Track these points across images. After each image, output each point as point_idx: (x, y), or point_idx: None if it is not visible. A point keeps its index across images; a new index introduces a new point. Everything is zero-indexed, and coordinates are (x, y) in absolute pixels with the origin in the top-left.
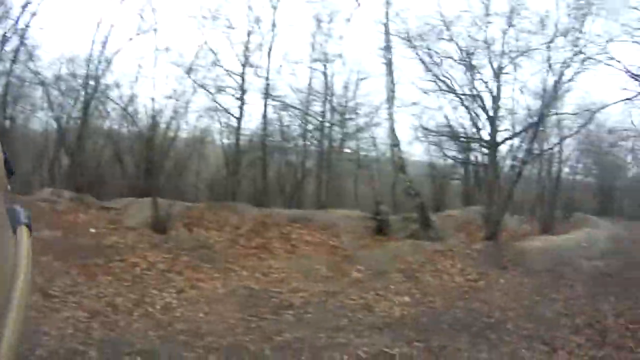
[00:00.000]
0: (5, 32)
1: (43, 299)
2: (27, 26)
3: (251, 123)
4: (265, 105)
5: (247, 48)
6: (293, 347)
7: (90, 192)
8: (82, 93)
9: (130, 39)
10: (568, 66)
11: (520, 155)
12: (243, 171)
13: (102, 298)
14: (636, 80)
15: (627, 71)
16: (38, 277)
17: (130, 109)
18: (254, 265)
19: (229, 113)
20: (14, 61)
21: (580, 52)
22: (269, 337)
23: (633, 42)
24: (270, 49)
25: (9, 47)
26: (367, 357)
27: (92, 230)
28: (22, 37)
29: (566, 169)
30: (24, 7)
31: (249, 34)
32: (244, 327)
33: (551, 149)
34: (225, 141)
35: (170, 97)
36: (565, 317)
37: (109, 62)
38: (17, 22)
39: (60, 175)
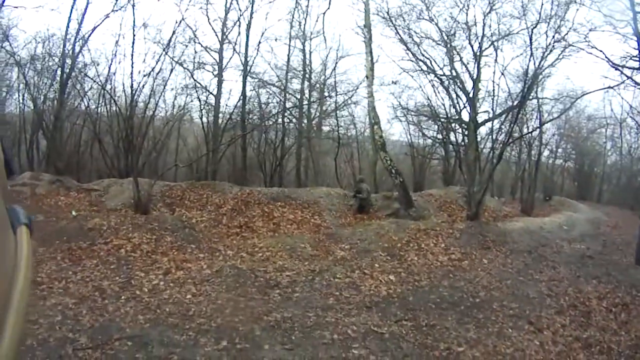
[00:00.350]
0: None
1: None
2: (2, 5)
3: (230, 100)
4: (244, 83)
5: (224, 24)
6: (283, 326)
7: (70, 174)
8: (59, 72)
9: (107, 16)
10: (549, 52)
11: (501, 137)
12: (223, 149)
13: (89, 282)
14: (617, 69)
15: (609, 61)
16: None
17: (108, 87)
18: (239, 245)
19: (207, 91)
20: None
21: (563, 39)
22: (258, 317)
23: (615, 32)
24: (248, 26)
25: None
26: (356, 336)
27: (74, 213)
28: None
29: (545, 153)
30: None
31: (226, 10)
32: (232, 308)
33: (531, 132)
34: (204, 120)
35: (148, 75)
36: (549, 298)
37: (85, 40)
38: None
39: (39, 157)
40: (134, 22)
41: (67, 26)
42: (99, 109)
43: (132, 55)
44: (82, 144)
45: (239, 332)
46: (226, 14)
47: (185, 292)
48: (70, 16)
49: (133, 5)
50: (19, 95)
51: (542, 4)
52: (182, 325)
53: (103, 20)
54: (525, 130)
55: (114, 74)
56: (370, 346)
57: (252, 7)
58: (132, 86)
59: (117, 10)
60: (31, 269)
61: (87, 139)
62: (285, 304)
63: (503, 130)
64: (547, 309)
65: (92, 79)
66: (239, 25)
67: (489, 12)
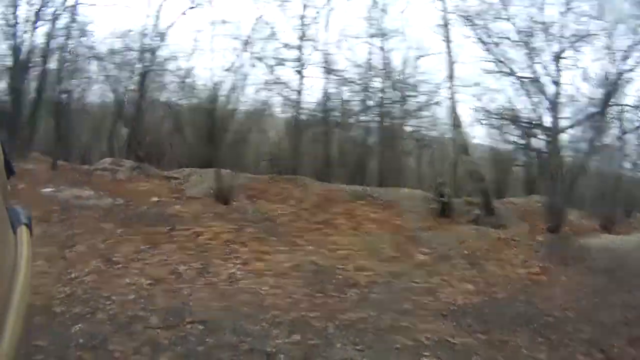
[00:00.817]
0: (56, 9)
1: (105, 264)
2: (77, 3)
3: (311, 97)
4: (325, 80)
5: (303, 21)
6: (357, 326)
7: (150, 163)
8: (138, 66)
9: (184, 13)
10: (629, 55)
11: (582, 145)
12: (304, 145)
13: (166, 266)
14: None
15: None
16: (100, 243)
17: (188, 81)
18: (319, 241)
19: (288, 87)
20: (67, 37)
21: None
22: (333, 315)
23: None
24: (326, 23)
25: (61, 24)
26: (429, 343)
27: (155, 198)
28: (72, 14)
29: (628, 165)
30: None
31: (304, 7)
32: (308, 303)
33: (613, 142)
34: (286, 115)
35: (228, 70)
36: (623, 326)
37: (163, 35)
38: None
39: (120, 146)
40: (212, 18)
41: (145, 23)
42: (181, 100)
43: (212, 50)
44: (163, 134)
45: (312, 328)
46: (304, 11)
47: (262, 283)
48: (147, 13)
49: (210, 2)
50: (99, 87)
51: (620, 4)
52: (255, 315)
53: (180, 17)
54: (607, 140)
55: (194, 68)
56: (441, 356)
57: (329, 3)
58: (212, 80)
59: (193, 7)
60: (31, 269)
61: (167, 130)
62: (361, 305)
63: (584, 139)
64: (620, 337)
65: (172, 72)
66: (317, 22)
67: (566, 11)
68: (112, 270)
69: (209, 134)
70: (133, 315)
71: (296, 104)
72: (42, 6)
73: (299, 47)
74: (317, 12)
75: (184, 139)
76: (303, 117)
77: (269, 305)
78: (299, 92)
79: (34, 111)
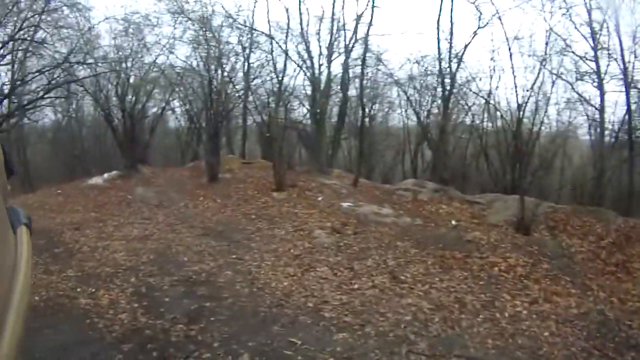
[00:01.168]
0: (348, 42)
1: (391, 281)
2: (367, 35)
3: (615, 115)
4: (627, 94)
5: (592, 28)
6: None
7: (454, 185)
8: (439, 90)
9: (475, 33)
10: None
11: None
12: (609, 172)
13: (452, 293)
14: None
15: None
16: (391, 260)
17: (489, 103)
18: (612, 286)
19: (589, 104)
20: (363, 66)
21: None
22: None
23: None
24: (616, 26)
25: (355, 54)
26: None
27: (454, 222)
28: (365, 45)
29: None
30: (357, 19)
31: (589, 12)
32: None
33: None
34: (589, 137)
35: (529, 90)
36: None
37: (459, 58)
38: (355, 32)
39: (423, 167)
40: (505, 36)
41: (438, 47)
42: (484, 123)
43: (512, 69)
44: (468, 157)
45: None
46: (590, 16)
47: (544, 328)
48: (438, 37)
49: (500, 18)
50: (401, 111)
51: None
52: None
53: (473, 38)
54: None
55: (496, 88)
56: None
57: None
58: (517, 101)
59: (483, 27)
60: (31, 269)
61: (472, 153)
62: None
63: None
64: None
65: (476, 93)
66: (607, 28)
67: None
68: (396, 288)
69: (513, 158)
70: (402, 336)
71: (599, 124)
72: (333, 40)
73: (595, 59)
74: (606, 16)
75: (488, 163)
76: (606, 138)
77: (544, 354)
78: (601, 110)
79: (337, 133)
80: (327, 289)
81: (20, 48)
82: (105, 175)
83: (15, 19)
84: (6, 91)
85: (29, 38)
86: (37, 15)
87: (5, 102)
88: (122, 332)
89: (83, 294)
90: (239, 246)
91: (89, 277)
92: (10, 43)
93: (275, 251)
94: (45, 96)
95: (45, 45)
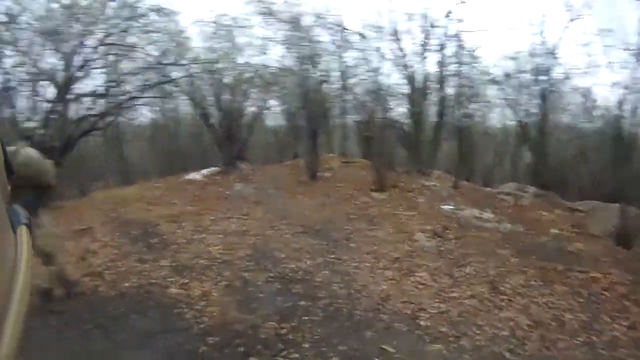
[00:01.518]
0: (441, 39)
1: (490, 292)
2: (458, 31)
3: None
4: None
5: None
6: None
7: (555, 190)
8: (535, 87)
9: (567, 27)
10: None
11: None
12: None
13: (551, 309)
14: None
15: None
16: (491, 269)
17: (588, 102)
18: None
19: None
20: (458, 64)
21: None
22: None
23: None
24: None
25: (449, 52)
26: None
27: (555, 231)
28: (459, 41)
29: None
30: (447, 15)
31: None
32: None
33: None
34: None
35: (626, 87)
36: None
37: (553, 53)
38: (446, 29)
39: (523, 170)
40: (597, 29)
41: (532, 43)
42: (583, 124)
43: (606, 64)
44: (568, 160)
45: None
46: None
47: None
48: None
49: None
50: (499, 110)
51: None
52: None
53: (564, 32)
54: None
55: (592, 86)
56: None
57: None
58: (612, 99)
59: (575, 19)
60: (31, 269)
61: (572, 156)
62: None
63: None
64: None
65: (570, 91)
66: None
67: None
68: (495, 299)
69: (614, 162)
70: (496, 353)
71: None
72: (426, 38)
73: None
74: None
75: (589, 167)
76: None
77: None
78: None
79: (436, 133)
80: (426, 295)
81: (110, 52)
82: (204, 171)
83: (104, 25)
84: (100, 92)
85: (118, 43)
86: (125, 21)
87: (101, 101)
88: (210, 324)
89: (175, 283)
90: (338, 246)
91: (182, 268)
92: (100, 48)
93: (375, 253)
94: (139, 97)
95: (136, 49)
